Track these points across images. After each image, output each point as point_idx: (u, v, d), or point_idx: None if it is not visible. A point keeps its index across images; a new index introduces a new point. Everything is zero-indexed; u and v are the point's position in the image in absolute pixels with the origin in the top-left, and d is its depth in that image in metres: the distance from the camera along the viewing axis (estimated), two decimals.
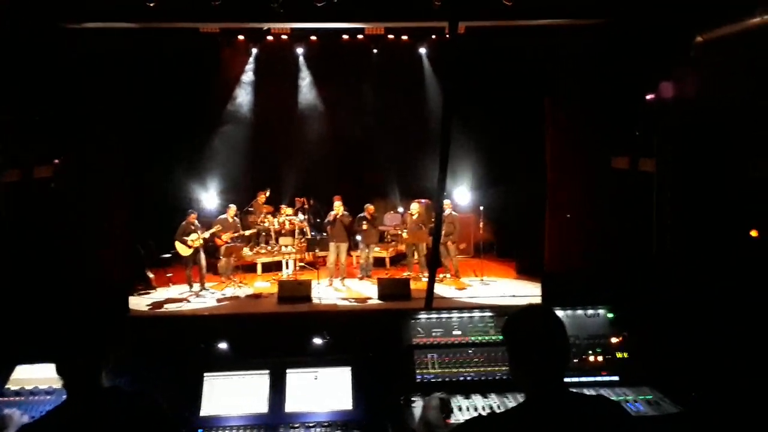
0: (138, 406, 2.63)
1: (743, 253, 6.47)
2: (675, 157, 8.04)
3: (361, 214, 12.60)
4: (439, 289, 11.60)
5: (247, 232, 13.17)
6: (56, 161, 9.94)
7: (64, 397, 3.70)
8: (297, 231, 13.52)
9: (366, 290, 11.97)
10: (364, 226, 12.44)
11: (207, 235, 11.92)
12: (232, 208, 12.61)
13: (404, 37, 14.38)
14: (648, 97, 8.56)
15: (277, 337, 4.65)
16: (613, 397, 3.57)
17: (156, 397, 2.68)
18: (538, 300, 8.99)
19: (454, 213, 12.72)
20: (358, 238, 12.69)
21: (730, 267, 6.18)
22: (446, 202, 12.65)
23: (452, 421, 3.30)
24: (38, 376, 3.92)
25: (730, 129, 6.82)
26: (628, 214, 9.50)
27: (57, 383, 3.85)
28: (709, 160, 7.27)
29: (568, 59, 10.48)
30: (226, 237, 12.18)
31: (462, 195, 14.48)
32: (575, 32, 9.67)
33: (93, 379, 2.61)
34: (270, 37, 14.20)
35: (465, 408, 3.58)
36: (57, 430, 2.50)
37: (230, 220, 12.43)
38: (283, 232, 13.63)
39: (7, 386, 3.85)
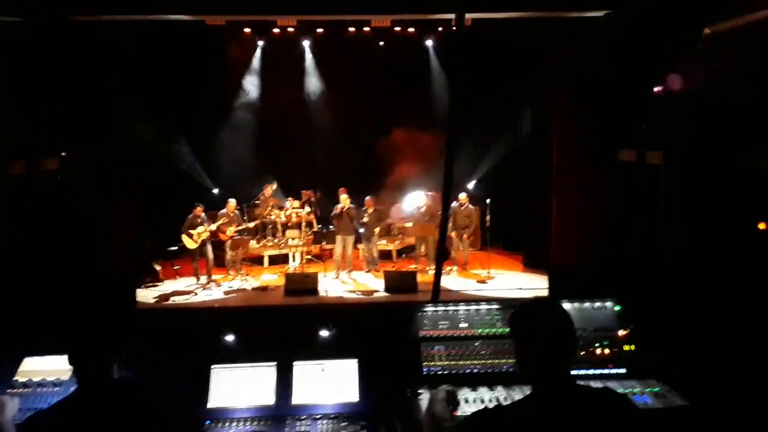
0: (148, 397, 2.64)
1: (751, 245, 6.45)
2: (683, 149, 8.00)
3: (362, 208, 12.58)
4: (446, 282, 11.60)
5: (251, 224, 13.20)
6: (63, 153, 9.96)
7: (72, 388, 3.76)
8: (304, 224, 13.54)
9: (373, 283, 11.98)
10: (365, 219, 12.41)
11: (213, 227, 11.95)
12: (231, 202, 12.60)
13: (411, 30, 14.35)
14: (655, 89, 8.52)
15: (284, 329, 4.66)
16: (620, 390, 3.58)
17: (165, 389, 2.69)
18: (544, 293, 9.00)
19: (471, 206, 12.69)
20: (361, 231, 12.66)
21: (738, 260, 6.16)
22: (463, 195, 12.65)
23: (459, 413, 3.31)
24: (46, 368, 3.94)
25: (738, 121, 6.80)
26: (635, 206, 9.48)
27: (65, 375, 3.89)
28: (717, 153, 7.24)
29: (574, 51, 10.43)
30: (230, 231, 12.21)
31: (469, 187, 14.47)
32: (582, 24, 9.62)
33: (104, 370, 2.63)
34: (276, 30, 14.20)
35: (472, 400, 3.59)
36: (68, 419, 2.52)
37: (231, 214, 12.43)
38: (289, 224, 13.66)
39: (15, 378, 3.88)
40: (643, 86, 8.88)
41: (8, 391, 3.78)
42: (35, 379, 3.86)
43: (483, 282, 11.95)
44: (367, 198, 12.74)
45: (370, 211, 12.51)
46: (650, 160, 9.26)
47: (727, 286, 5.48)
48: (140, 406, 2.60)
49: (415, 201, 13.15)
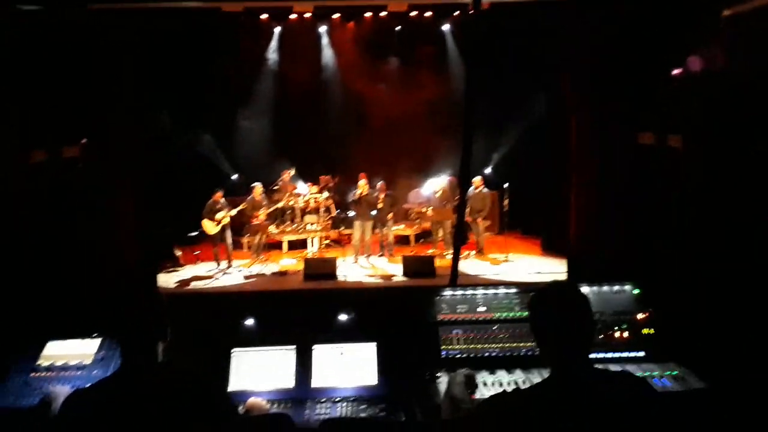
0: (191, 385, 2.63)
1: None
2: (702, 133, 7.93)
3: (375, 193, 12.58)
4: (464, 266, 11.59)
5: (280, 204, 13.28)
6: (83, 141, 10.03)
7: (95, 371, 3.82)
8: (322, 209, 13.57)
9: (391, 268, 12.00)
10: (379, 204, 12.41)
11: (234, 212, 12.00)
12: (258, 186, 12.66)
13: (427, 14, 14.28)
14: (674, 71, 8.43)
15: (303, 313, 4.69)
16: (639, 373, 3.58)
17: (207, 379, 2.70)
18: (563, 277, 8.98)
19: (485, 190, 12.67)
20: (372, 213, 12.62)
21: (759, 243, 6.11)
22: (477, 179, 12.62)
23: (477, 396, 3.33)
24: (68, 352, 4.00)
25: (758, 104, 6.71)
26: (654, 190, 9.41)
27: (87, 359, 3.94)
28: (738, 136, 7.16)
29: (593, 33, 10.33)
30: (262, 215, 12.26)
31: (487, 172, 14.43)
32: (600, 5, 9.53)
33: (150, 353, 2.66)
34: (293, 16, 14.19)
35: (490, 383, 3.61)
36: (110, 399, 2.52)
37: (258, 198, 12.48)
38: (308, 210, 13.70)
39: (38, 362, 3.94)
40: (662, 68, 8.80)
41: (32, 375, 3.84)
42: (58, 363, 3.92)
43: (500, 263, 11.95)
44: (380, 183, 12.72)
45: (383, 196, 12.51)
46: (670, 144, 9.18)
47: (746, 269, 5.44)
48: (182, 391, 2.60)
49: (432, 186, 13.14)
